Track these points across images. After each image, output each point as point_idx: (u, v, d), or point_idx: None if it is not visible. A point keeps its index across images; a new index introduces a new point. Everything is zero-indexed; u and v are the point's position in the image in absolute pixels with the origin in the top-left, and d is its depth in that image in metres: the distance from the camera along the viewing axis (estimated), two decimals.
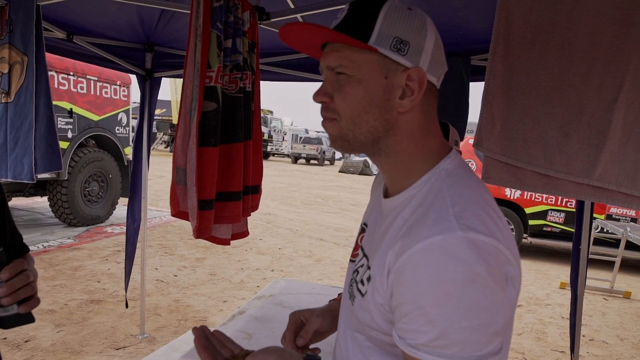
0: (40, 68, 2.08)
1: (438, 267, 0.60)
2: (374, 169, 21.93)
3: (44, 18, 2.21)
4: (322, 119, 0.76)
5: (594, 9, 1.32)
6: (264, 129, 25.06)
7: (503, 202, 6.59)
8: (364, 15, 0.70)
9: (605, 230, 5.76)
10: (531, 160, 1.43)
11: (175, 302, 4.19)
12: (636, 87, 1.30)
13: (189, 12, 1.60)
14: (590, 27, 1.33)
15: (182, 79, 1.65)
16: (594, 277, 5.53)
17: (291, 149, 27.50)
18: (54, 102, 2.30)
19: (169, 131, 22.63)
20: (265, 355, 0.76)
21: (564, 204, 6.51)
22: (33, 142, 2.05)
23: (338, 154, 29.55)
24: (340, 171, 22.58)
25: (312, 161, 26.97)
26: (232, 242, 1.93)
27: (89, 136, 6.92)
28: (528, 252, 7.30)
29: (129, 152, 7.52)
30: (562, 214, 6.55)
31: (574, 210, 2.62)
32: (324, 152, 26.45)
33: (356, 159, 23.07)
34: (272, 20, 2.11)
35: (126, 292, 3.45)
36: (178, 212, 1.67)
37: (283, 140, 29.53)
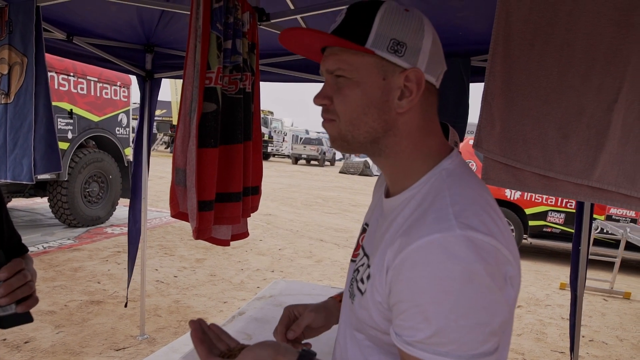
0: (39, 69, 2.08)
1: (436, 265, 0.60)
2: (375, 169, 21.94)
3: (44, 19, 2.21)
4: (322, 119, 0.77)
5: (593, 10, 1.32)
6: (264, 129, 25.09)
7: (503, 203, 6.59)
8: (360, 18, 0.70)
9: (605, 231, 5.75)
10: (531, 161, 1.43)
11: (176, 303, 4.19)
12: (635, 88, 1.30)
13: (189, 13, 1.60)
14: (589, 28, 1.33)
15: (182, 80, 1.65)
16: (594, 278, 5.53)
17: (291, 149, 27.50)
18: (54, 103, 2.30)
19: (169, 132, 22.64)
20: (260, 349, 0.76)
21: (564, 205, 6.51)
22: (32, 143, 2.05)
23: (338, 155, 29.55)
24: (340, 172, 22.58)
25: (312, 162, 26.97)
26: (232, 242, 1.93)
27: (89, 137, 6.93)
28: (528, 252, 7.29)
29: (129, 152, 7.53)
30: (562, 215, 6.55)
31: (574, 211, 2.62)
32: (324, 153, 26.45)
33: (356, 159, 23.07)
34: (272, 21, 2.11)
35: (127, 292, 3.45)
36: (178, 213, 1.67)
37: (283, 141, 29.53)
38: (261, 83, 2.15)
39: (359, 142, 0.74)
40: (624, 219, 6.33)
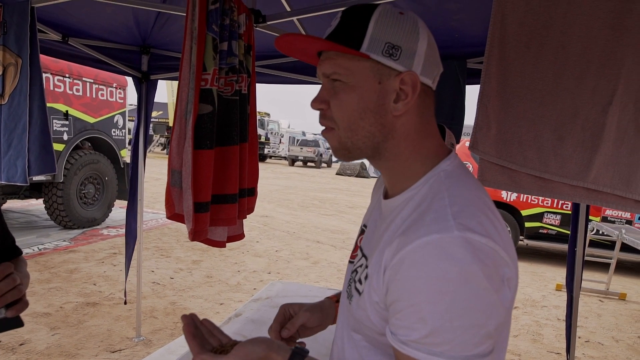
0: (34, 70, 2.07)
1: (433, 265, 0.60)
2: (371, 171, 21.97)
3: (39, 20, 2.20)
4: (321, 127, 0.78)
5: (588, 13, 1.33)
6: (260, 131, 25.07)
7: (499, 205, 6.61)
8: (355, 22, 0.70)
9: (600, 232, 5.78)
10: (526, 163, 1.44)
11: (172, 305, 4.17)
12: (630, 90, 1.31)
13: (185, 14, 1.60)
14: (584, 31, 1.34)
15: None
16: (590, 279, 5.55)
17: (288, 151, 27.49)
18: (50, 105, 2.30)
19: (166, 133, 22.58)
20: (253, 345, 0.76)
21: (559, 206, 6.54)
22: (27, 144, 2.04)
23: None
24: (337, 174, 22.59)
25: (309, 164, 26.97)
26: (228, 244, 1.92)
27: (85, 138, 6.90)
28: (524, 254, 7.31)
29: (125, 154, 7.50)
30: (558, 216, 6.57)
31: (570, 212, 2.63)
32: (321, 155, 26.45)
33: (353, 161, 23.07)
34: (268, 23, 2.11)
35: (125, 289, 3.42)
36: (173, 214, 1.66)
37: (280, 142, 29.51)
38: (257, 85, 2.15)
39: (359, 148, 0.74)
40: (619, 220, 6.36)
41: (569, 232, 2.48)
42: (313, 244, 7.17)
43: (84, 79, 6.70)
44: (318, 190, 14.81)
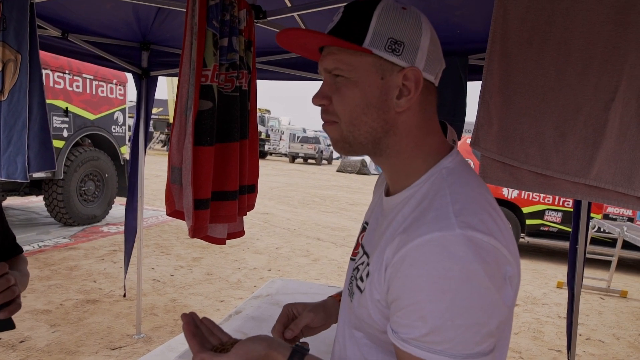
0: (34, 66, 2.06)
1: (435, 263, 0.60)
2: (372, 168, 21.96)
3: (38, 16, 2.19)
4: (322, 122, 0.77)
5: (591, 9, 1.32)
6: (261, 128, 25.04)
7: (500, 202, 6.60)
8: (357, 17, 0.70)
9: (602, 229, 5.77)
10: (528, 160, 1.43)
11: (172, 302, 4.17)
12: (632, 86, 1.30)
13: (185, 10, 1.59)
14: (586, 26, 1.33)
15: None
16: (591, 277, 5.54)
17: (289, 148, 27.47)
18: (50, 101, 2.29)
19: (166, 130, 22.57)
20: (253, 343, 0.76)
21: (561, 204, 6.53)
22: (26, 141, 2.03)
23: (336, 154, 29.53)
24: (337, 170, 22.58)
25: (309, 160, 26.96)
26: (228, 241, 1.92)
27: (85, 135, 6.89)
28: (525, 251, 7.31)
29: (125, 151, 7.49)
30: (560, 214, 6.56)
31: (571, 209, 2.62)
32: (321, 152, 26.44)
33: (354, 158, 23.06)
34: (269, 18, 2.10)
35: (125, 283, 3.42)
36: (174, 211, 1.66)
37: (280, 139, 29.49)
38: (258, 81, 2.14)
39: (360, 143, 0.73)
40: (621, 217, 6.36)
41: (570, 230, 2.47)
42: (313, 241, 7.17)
43: (84, 75, 6.69)
44: (319, 187, 14.81)
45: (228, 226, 1.88)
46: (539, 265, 6.70)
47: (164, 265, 5.24)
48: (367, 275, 0.73)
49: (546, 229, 6.66)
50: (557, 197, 6.41)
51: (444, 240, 0.60)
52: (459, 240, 0.60)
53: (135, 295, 3.53)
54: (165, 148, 23.49)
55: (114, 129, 7.38)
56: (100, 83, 7.02)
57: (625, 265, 6.84)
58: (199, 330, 0.83)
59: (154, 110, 20.77)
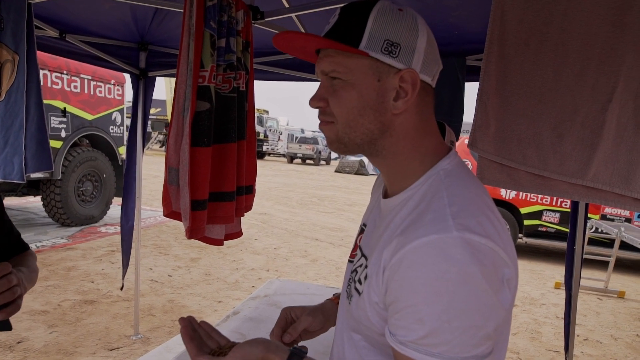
0: (31, 67, 2.06)
1: (432, 266, 0.60)
2: (370, 168, 21.97)
3: (36, 16, 2.19)
4: (319, 121, 0.77)
5: (588, 10, 1.32)
6: (259, 128, 25.02)
7: (498, 202, 6.61)
8: (353, 20, 0.69)
9: (599, 230, 5.78)
10: (525, 161, 1.43)
11: (170, 303, 4.17)
12: (630, 88, 1.30)
13: (183, 11, 1.59)
14: (584, 27, 1.33)
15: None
16: (589, 277, 5.55)
17: (287, 148, 27.46)
18: (47, 101, 2.29)
19: (164, 130, 22.54)
20: (251, 346, 0.76)
21: (558, 204, 6.54)
22: (24, 141, 2.03)
23: (334, 154, 29.54)
24: (336, 171, 22.58)
25: (308, 161, 26.95)
26: (226, 242, 1.92)
27: (83, 135, 6.87)
28: (523, 252, 7.32)
29: (123, 151, 7.48)
30: (557, 214, 6.57)
31: (569, 210, 2.63)
32: (319, 152, 26.44)
33: (352, 159, 23.08)
34: (267, 19, 2.10)
35: (123, 279, 3.42)
36: (171, 212, 1.66)
37: (279, 140, 29.47)
38: (256, 82, 2.14)
39: (356, 143, 0.73)
40: (618, 218, 6.37)
41: (568, 230, 2.48)
42: (312, 241, 7.17)
43: (81, 75, 6.68)
44: (317, 187, 14.81)
45: (226, 227, 1.88)
46: (537, 265, 6.71)
47: (161, 266, 5.23)
48: (365, 277, 0.73)
49: (544, 229, 6.67)
50: (554, 198, 6.42)
51: (441, 243, 0.60)
52: (456, 242, 0.60)
53: (133, 295, 3.52)
54: (163, 148, 23.46)
55: (112, 129, 7.36)
56: (98, 83, 7.01)
57: (623, 266, 6.85)
58: (196, 333, 0.83)
59: (152, 111, 20.82)
